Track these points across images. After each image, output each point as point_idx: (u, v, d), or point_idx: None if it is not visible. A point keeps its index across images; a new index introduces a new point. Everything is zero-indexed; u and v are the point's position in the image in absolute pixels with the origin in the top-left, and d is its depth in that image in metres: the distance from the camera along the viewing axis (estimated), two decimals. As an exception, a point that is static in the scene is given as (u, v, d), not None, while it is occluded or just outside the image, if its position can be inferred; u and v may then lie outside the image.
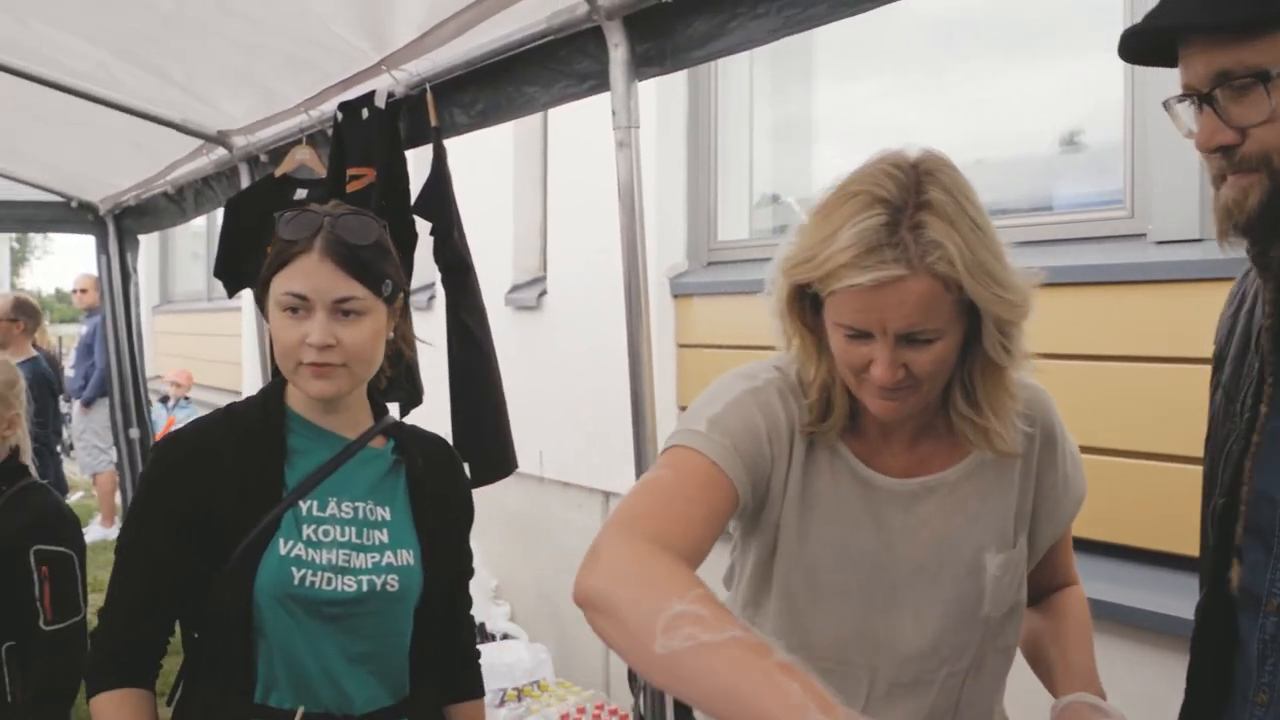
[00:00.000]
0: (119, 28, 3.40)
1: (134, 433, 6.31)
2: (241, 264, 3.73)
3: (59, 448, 7.92)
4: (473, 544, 2.16)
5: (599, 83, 2.62)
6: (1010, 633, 1.71)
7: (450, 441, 2.21)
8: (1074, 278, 3.17)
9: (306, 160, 3.77)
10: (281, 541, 1.82)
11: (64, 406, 9.10)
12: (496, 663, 4.35)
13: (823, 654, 1.62)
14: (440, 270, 3.18)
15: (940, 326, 1.44)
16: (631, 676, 3.82)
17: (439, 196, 3.13)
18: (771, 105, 5.00)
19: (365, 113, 3.29)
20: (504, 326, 6.04)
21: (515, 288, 6.17)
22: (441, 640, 2.02)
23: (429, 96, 3.12)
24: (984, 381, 1.55)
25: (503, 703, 4.36)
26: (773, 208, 5.01)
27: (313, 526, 1.86)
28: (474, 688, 2.17)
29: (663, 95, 4.85)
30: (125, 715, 1.83)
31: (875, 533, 1.62)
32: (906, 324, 1.42)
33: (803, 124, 4.92)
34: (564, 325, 5.58)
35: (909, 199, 1.41)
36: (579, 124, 5.21)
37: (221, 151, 4.40)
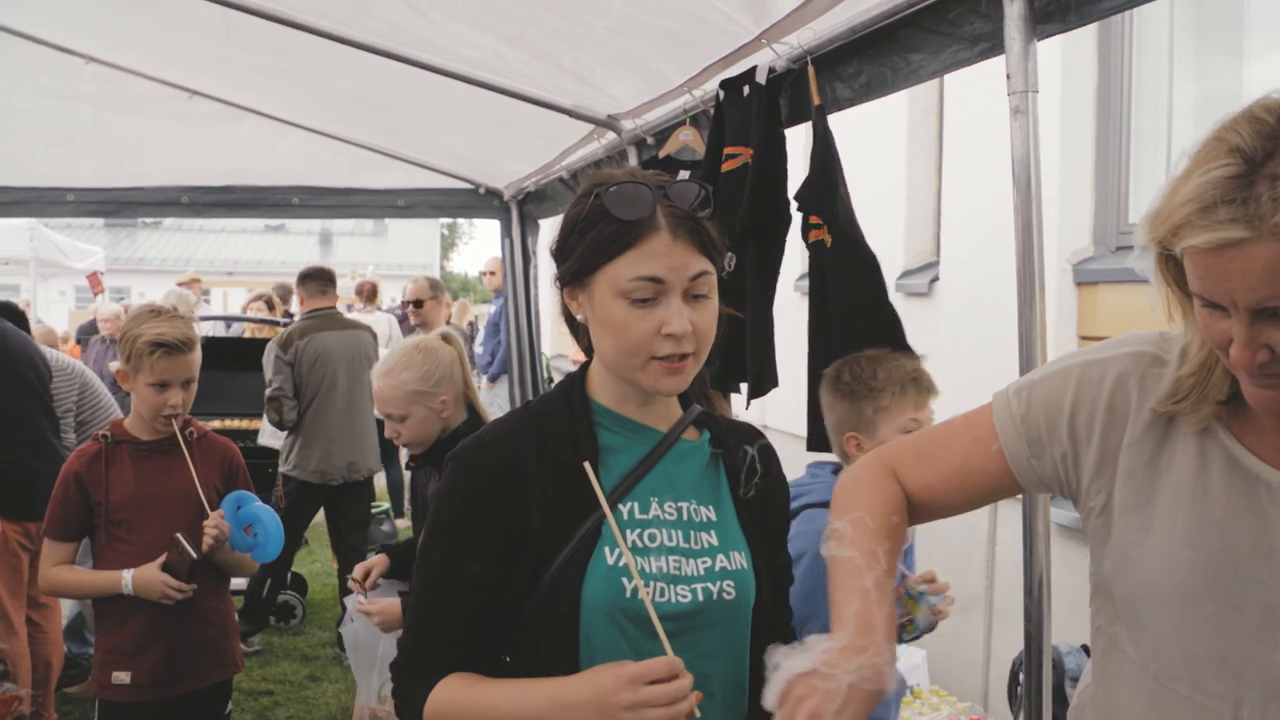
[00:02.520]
0: (508, 13, 3.48)
1: (530, 407, 6.59)
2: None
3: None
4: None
5: (992, 45, 2.38)
6: None
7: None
8: None
9: (690, 141, 3.73)
10: (607, 551, 1.62)
11: (474, 381, 9.70)
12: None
13: (1173, 673, 1.42)
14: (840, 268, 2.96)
15: None
16: (1011, 693, 3.53)
17: (825, 187, 2.93)
18: (1195, 80, 4.48)
19: (746, 90, 3.19)
20: (891, 313, 5.85)
21: (906, 273, 5.94)
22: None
23: (810, 71, 2.97)
24: None
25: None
26: (1195, 187, 4.49)
27: (637, 531, 1.66)
28: None
29: (1068, 64, 4.46)
30: (456, 694, 1.64)
31: (1257, 536, 1.36)
32: (1256, 297, 1.20)
33: (1230, 101, 4.37)
34: (956, 312, 5.30)
35: (1272, 147, 1.18)
36: (979, 98, 4.90)
37: (611, 136, 4.46)
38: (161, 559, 3.07)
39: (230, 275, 28.55)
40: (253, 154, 5.81)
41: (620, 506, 1.66)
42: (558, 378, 9.93)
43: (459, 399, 3.21)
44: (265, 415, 6.40)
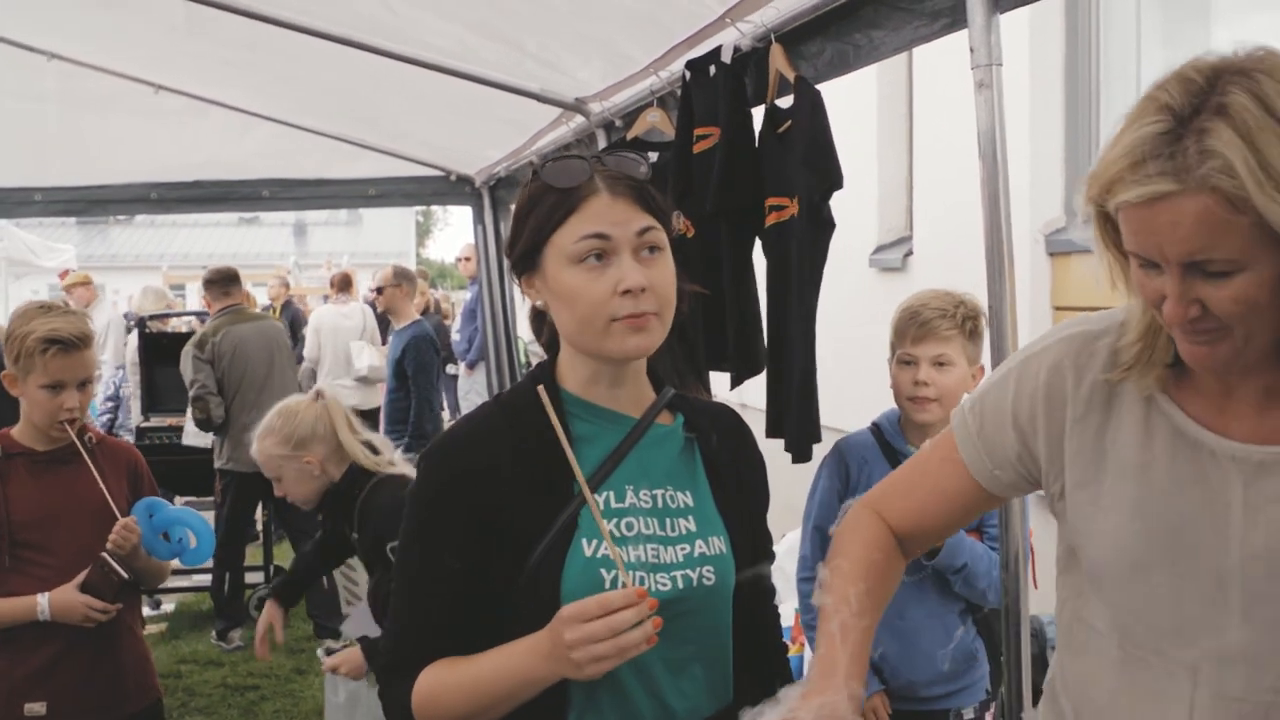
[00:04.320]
0: (473, 2, 3.47)
1: (508, 394, 6.59)
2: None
3: (442, 407, 8.43)
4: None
5: (953, 20, 2.38)
6: None
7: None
8: None
9: (657, 123, 3.72)
10: (585, 542, 1.60)
11: (451, 369, 9.68)
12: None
13: (1137, 642, 1.45)
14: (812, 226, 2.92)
15: (1235, 256, 1.21)
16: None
17: (822, 150, 2.85)
18: (1163, 48, 4.49)
19: (712, 70, 3.19)
20: (867, 289, 5.87)
21: (879, 248, 5.95)
22: (757, 635, 1.81)
23: (777, 49, 2.97)
24: None
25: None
26: (1165, 155, 4.51)
27: (614, 520, 1.63)
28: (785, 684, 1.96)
29: (1036, 36, 4.46)
30: (440, 676, 1.63)
31: (1203, 503, 1.38)
32: (1184, 250, 1.22)
33: (1199, 67, 4.39)
34: (931, 286, 5.29)
35: (1199, 103, 1.20)
36: (947, 72, 4.91)
37: (580, 119, 4.44)
38: (79, 579, 2.79)
39: (205, 269, 28.39)
40: (222, 147, 5.76)
41: (596, 496, 1.63)
42: (535, 362, 9.93)
43: (332, 456, 3.18)
44: (191, 415, 6.42)
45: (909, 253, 5.59)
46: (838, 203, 2.96)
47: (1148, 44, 4.47)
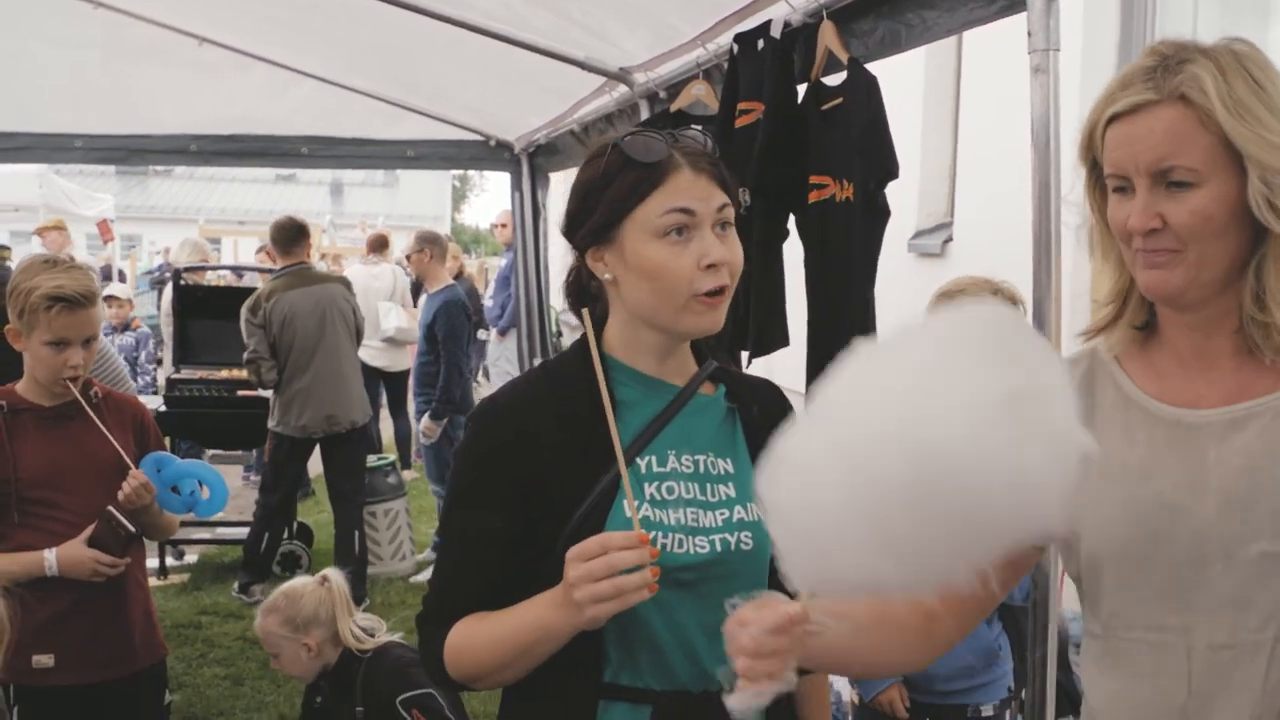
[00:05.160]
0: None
1: (539, 361, 6.58)
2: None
3: (472, 372, 8.44)
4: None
5: (1011, 3, 2.33)
6: None
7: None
8: None
9: (702, 96, 3.68)
10: (625, 505, 1.63)
11: (483, 335, 9.68)
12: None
13: (1129, 623, 1.50)
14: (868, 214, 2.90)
15: (1195, 166, 1.37)
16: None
17: (879, 138, 2.82)
18: (1220, 37, 4.40)
19: (760, 44, 3.14)
20: (905, 274, 5.81)
21: (919, 233, 5.89)
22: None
23: (829, 25, 2.92)
24: (1271, 272, 1.39)
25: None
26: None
27: (655, 484, 1.69)
28: None
29: (1090, 21, 4.38)
30: (470, 628, 1.69)
31: (1182, 473, 1.46)
32: (1154, 157, 1.38)
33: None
34: (969, 273, 5.24)
35: (1185, 54, 1.40)
36: (998, 56, 4.83)
37: (623, 89, 4.40)
38: (86, 533, 2.79)
39: (241, 225, 28.48)
40: (262, 103, 5.75)
41: (638, 460, 1.69)
42: (565, 331, 9.97)
43: (329, 641, 3.33)
44: (247, 375, 6.46)
45: (949, 239, 5.53)
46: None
47: (1204, 34, 4.38)
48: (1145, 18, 4.39)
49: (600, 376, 1.65)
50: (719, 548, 1.68)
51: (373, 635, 3.38)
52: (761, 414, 1.81)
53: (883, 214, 2.86)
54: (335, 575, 3.51)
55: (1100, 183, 1.50)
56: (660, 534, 1.64)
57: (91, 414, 2.86)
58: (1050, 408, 1.30)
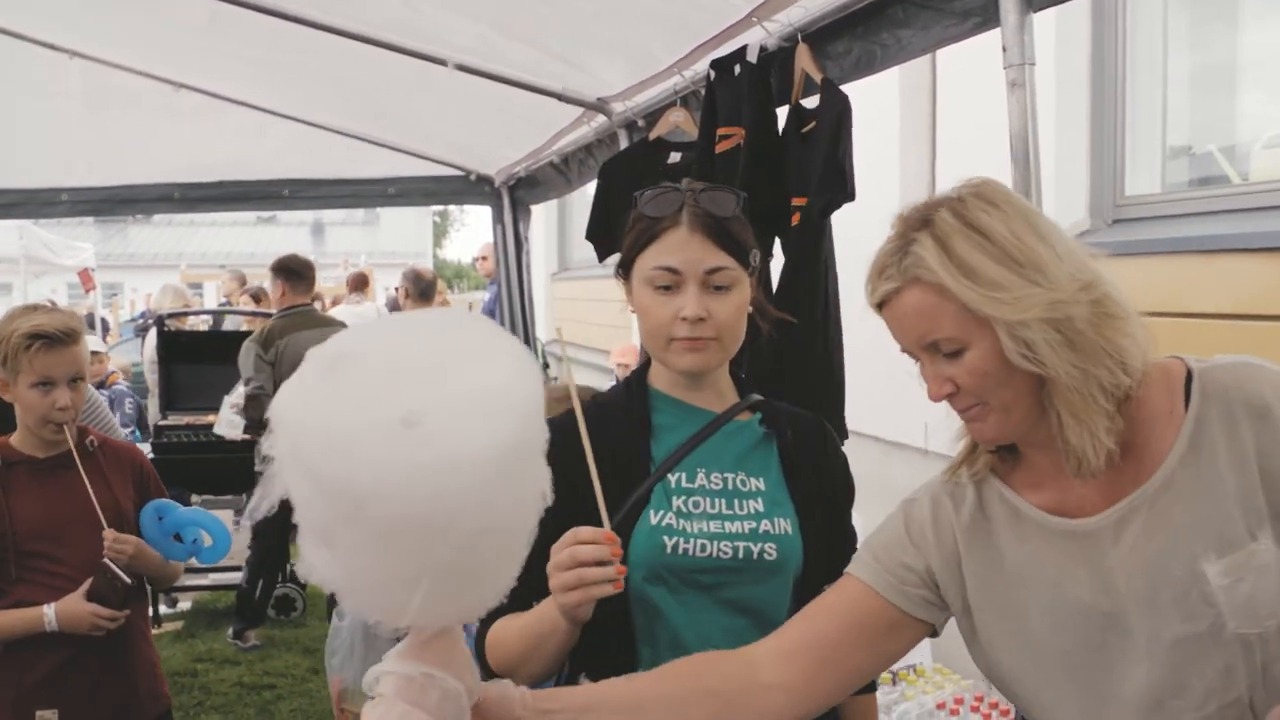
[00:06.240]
0: (497, 0, 3.45)
1: (526, 395, 6.57)
2: (615, 228, 3.71)
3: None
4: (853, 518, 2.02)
5: (984, 19, 2.36)
6: None
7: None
8: None
9: (680, 122, 3.71)
10: (652, 513, 1.81)
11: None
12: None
13: None
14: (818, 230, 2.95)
15: (955, 334, 1.44)
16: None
17: (836, 167, 2.85)
18: (1190, 50, 4.44)
19: (737, 69, 3.16)
20: (887, 291, 5.85)
21: (899, 250, 5.91)
22: None
23: (804, 48, 2.94)
24: (1057, 405, 1.43)
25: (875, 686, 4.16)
26: (1189, 159, 4.46)
27: (682, 498, 1.84)
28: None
29: (1063, 36, 4.42)
30: (505, 623, 1.80)
31: (1090, 579, 1.48)
32: (916, 335, 1.47)
33: (1225, 69, 4.34)
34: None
35: (913, 227, 1.48)
36: (973, 73, 4.87)
37: (601, 119, 4.42)
38: (84, 588, 2.76)
39: (223, 268, 28.45)
40: (242, 146, 5.76)
41: (669, 476, 1.85)
42: (552, 363, 9.95)
43: None
44: (244, 412, 6.33)
45: (930, 255, 5.56)
46: (860, 203, 2.94)
47: (1175, 46, 4.43)
48: (1117, 29, 4.43)
49: (577, 404, 1.73)
50: (741, 555, 1.81)
51: None
52: (796, 438, 1.95)
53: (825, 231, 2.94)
54: None
55: None
56: (682, 539, 1.79)
57: (80, 466, 2.81)
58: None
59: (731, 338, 1.87)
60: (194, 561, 3.17)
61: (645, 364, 1.99)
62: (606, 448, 1.78)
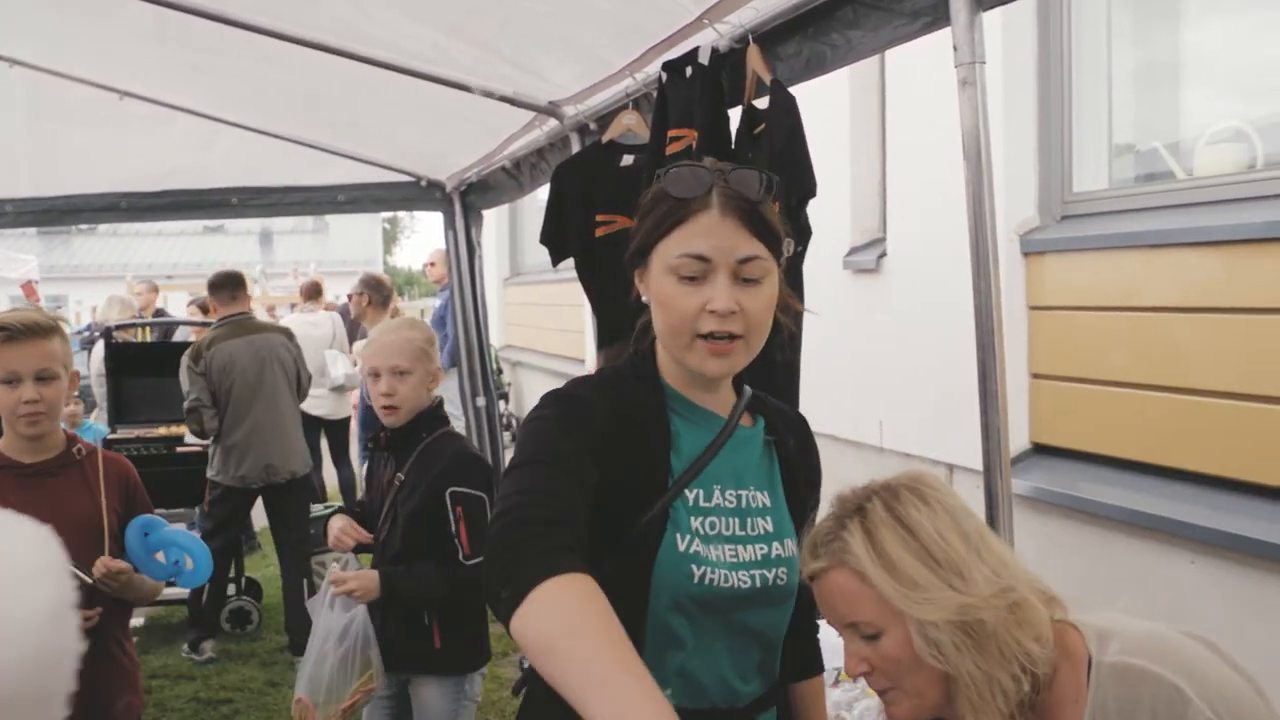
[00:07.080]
0: (448, 4, 3.43)
1: (480, 401, 6.55)
2: (567, 232, 3.70)
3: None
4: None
5: (934, 19, 2.37)
6: None
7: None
8: None
9: (633, 125, 3.70)
10: (678, 537, 1.67)
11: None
12: (835, 641, 4.15)
13: None
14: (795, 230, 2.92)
15: (873, 620, 1.53)
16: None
17: (797, 157, 2.84)
18: (1133, 46, 4.51)
19: (689, 71, 3.16)
20: (841, 291, 5.86)
21: (853, 250, 5.94)
22: (801, 622, 1.91)
23: (754, 50, 2.95)
24: (959, 696, 1.50)
25: (837, 682, 4.17)
26: (1134, 155, 4.52)
27: (700, 519, 1.71)
28: (816, 664, 2.03)
29: (1009, 35, 4.47)
30: (580, 592, 1.37)
31: None
32: (839, 615, 1.58)
33: (1169, 67, 4.41)
34: (905, 288, 5.31)
35: (848, 512, 1.59)
36: (921, 73, 4.91)
37: (553, 123, 4.41)
38: None
39: (170, 279, 28.12)
40: (189, 155, 5.69)
41: (686, 492, 1.71)
42: (505, 369, 9.88)
43: (432, 383, 3.30)
44: (187, 425, 6.36)
45: (883, 254, 5.58)
46: (812, 203, 2.94)
47: (1118, 43, 4.48)
48: (1062, 27, 4.48)
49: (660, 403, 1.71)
50: (758, 583, 1.72)
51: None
52: (798, 448, 1.88)
53: (805, 232, 2.89)
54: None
55: None
56: (709, 569, 1.67)
57: (66, 471, 2.81)
58: None
59: (758, 337, 1.69)
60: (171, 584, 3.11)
61: (649, 353, 1.80)
62: (630, 451, 1.68)
